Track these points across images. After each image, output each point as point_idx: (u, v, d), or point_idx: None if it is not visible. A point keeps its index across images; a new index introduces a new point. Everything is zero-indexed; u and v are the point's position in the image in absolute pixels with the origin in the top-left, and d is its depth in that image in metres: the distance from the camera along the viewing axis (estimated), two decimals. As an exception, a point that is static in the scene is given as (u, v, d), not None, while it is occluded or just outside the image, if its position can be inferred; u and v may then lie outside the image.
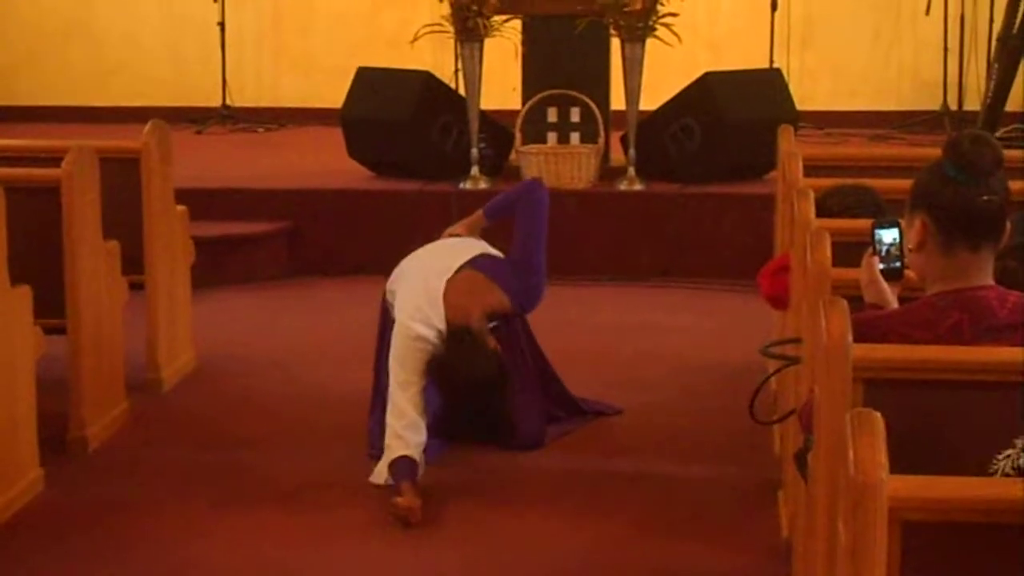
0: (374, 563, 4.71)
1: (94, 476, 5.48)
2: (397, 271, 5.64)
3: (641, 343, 7.27)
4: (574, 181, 8.85)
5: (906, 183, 5.04)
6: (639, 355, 7.05)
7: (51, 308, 5.53)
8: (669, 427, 6.01)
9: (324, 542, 4.84)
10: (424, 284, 5.44)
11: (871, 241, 3.77)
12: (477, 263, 5.61)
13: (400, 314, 5.38)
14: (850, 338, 3.13)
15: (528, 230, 5.71)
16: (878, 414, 2.51)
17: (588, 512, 5.10)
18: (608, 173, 9.05)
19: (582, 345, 7.21)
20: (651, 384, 6.57)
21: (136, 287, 6.32)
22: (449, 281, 5.44)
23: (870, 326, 3.42)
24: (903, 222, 3.67)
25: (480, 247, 5.75)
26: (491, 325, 5.52)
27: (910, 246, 3.59)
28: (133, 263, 6.24)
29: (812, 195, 4.83)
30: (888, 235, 3.76)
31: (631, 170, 8.86)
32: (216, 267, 8.22)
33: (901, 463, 2.55)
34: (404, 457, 5.15)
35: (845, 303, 3.23)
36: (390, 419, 5.23)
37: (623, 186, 8.89)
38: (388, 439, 5.20)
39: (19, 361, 5.16)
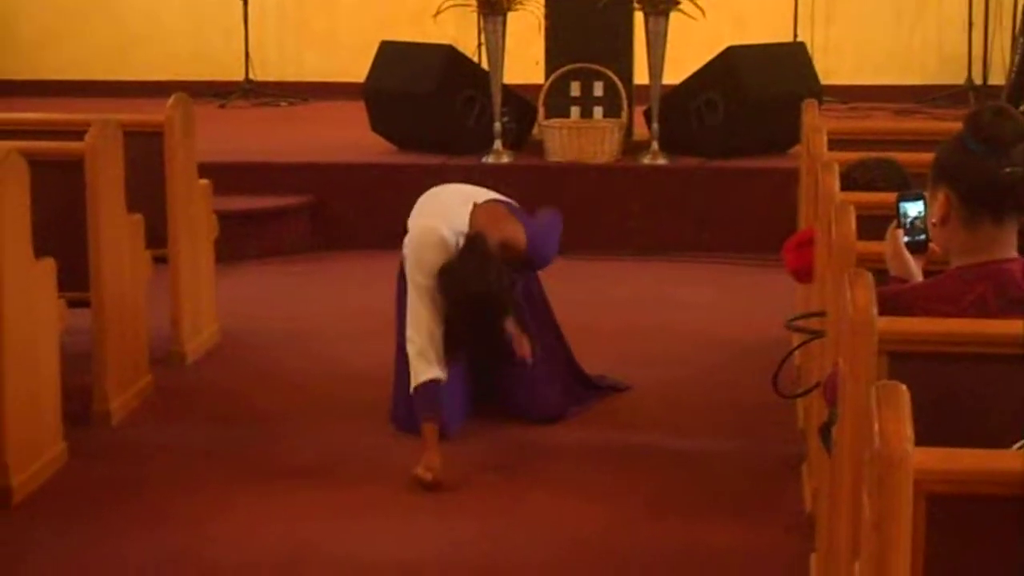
0: (395, 536, 4.70)
1: (117, 449, 5.49)
2: (415, 210, 5.64)
3: (664, 317, 7.26)
4: (597, 155, 8.83)
5: (931, 157, 5.07)
6: (661, 329, 7.04)
7: (75, 281, 5.53)
8: (691, 402, 6.00)
9: (346, 516, 4.84)
10: (447, 205, 5.51)
11: (896, 214, 3.75)
12: (501, 201, 5.66)
13: (420, 219, 5.47)
14: (875, 310, 3.12)
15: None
16: (903, 386, 2.50)
17: (609, 487, 5.09)
18: (631, 147, 9.03)
19: (604, 319, 7.20)
20: (673, 359, 6.56)
21: (159, 261, 6.32)
22: (475, 205, 5.49)
23: (894, 300, 3.40)
24: (927, 195, 3.65)
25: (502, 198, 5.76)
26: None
27: (933, 220, 3.57)
28: (156, 237, 6.24)
29: (837, 168, 4.81)
30: (913, 208, 3.74)
31: (654, 144, 8.84)
32: (239, 241, 8.22)
33: (926, 436, 2.54)
34: (430, 382, 5.21)
35: (870, 275, 3.22)
36: (410, 332, 5.28)
37: (646, 160, 8.87)
38: (412, 359, 5.26)
39: (43, 334, 5.17)
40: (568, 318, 7.05)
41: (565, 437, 5.52)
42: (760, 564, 4.50)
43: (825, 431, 3.82)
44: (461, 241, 5.33)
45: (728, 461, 5.35)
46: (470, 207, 5.47)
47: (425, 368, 5.23)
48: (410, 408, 5.33)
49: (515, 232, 5.49)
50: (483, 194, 5.66)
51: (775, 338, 6.13)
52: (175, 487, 5.11)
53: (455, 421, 5.44)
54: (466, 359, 5.51)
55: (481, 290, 5.21)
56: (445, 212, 5.46)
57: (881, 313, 3.16)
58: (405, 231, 5.49)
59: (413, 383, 5.25)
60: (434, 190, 5.73)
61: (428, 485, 4.98)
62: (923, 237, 3.70)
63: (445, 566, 4.51)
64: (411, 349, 5.28)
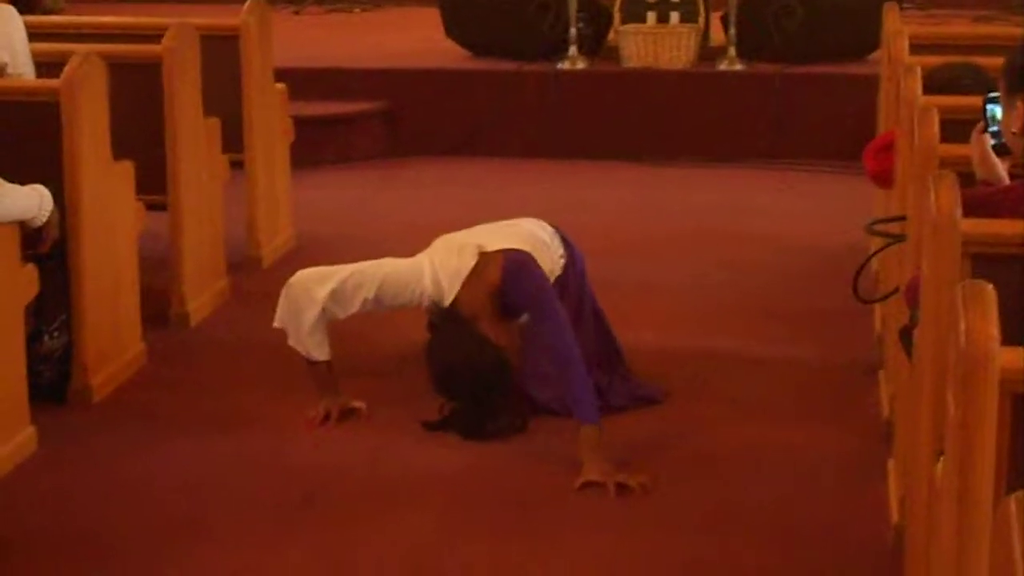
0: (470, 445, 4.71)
1: (195, 352, 5.53)
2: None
3: (741, 224, 7.23)
4: (673, 61, 8.77)
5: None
6: (739, 236, 7.01)
7: (153, 184, 5.56)
8: (769, 308, 5.97)
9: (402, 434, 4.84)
10: (459, 249, 4.86)
11: (982, 117, 3.71)
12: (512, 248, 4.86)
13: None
14: (959, 212, 3.08)
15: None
16: (990, 286, 2.48)
17: (687, 390, 5.08)
18: (708, 53, 8.96)
19: (681, 226, 7.18)
20: (751, 265, 6.53)
21: (236, 165, 6.34)
22: (484, 256, 4.81)
23: (981, 202, 3.37)
24: (1003, 104, 3.59)
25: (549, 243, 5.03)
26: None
27: (1014, 129, 3.51)
28: (233, 141, 6.26)
29: (919, 72, 4.75)
30: (1000, 110, 3.69)
31: (731, 50, 8.77)
32: (314, 147, 8.23)
33: (1009, 339, 2.51)
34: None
35: (955, 176, 3.18)
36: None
37: (723, 66, 8.80)
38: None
39: (121, 235, 5.21)
40: (644, 225, 7.06)
41: (644, 339, 5.50)
42: (838, 469, 4.49)
43: (905, 335, 3.79)
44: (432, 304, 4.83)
45: (806, 367, 5.33)
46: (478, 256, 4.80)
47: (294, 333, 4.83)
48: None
49: (493, 273, 4.77)
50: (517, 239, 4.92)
51: (854, 244, 6.10)
52: (252, 389, 5.14)
53: None
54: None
55: (466, 363, 4.66)
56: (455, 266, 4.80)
57: (966, 216, 3.13)
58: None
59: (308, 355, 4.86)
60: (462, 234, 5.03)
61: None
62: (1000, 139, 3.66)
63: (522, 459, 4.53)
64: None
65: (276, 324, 4.88)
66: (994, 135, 3.67)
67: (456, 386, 4.73)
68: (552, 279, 4.89)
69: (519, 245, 4.88)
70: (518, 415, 4.76)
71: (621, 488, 4.31)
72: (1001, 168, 3.64)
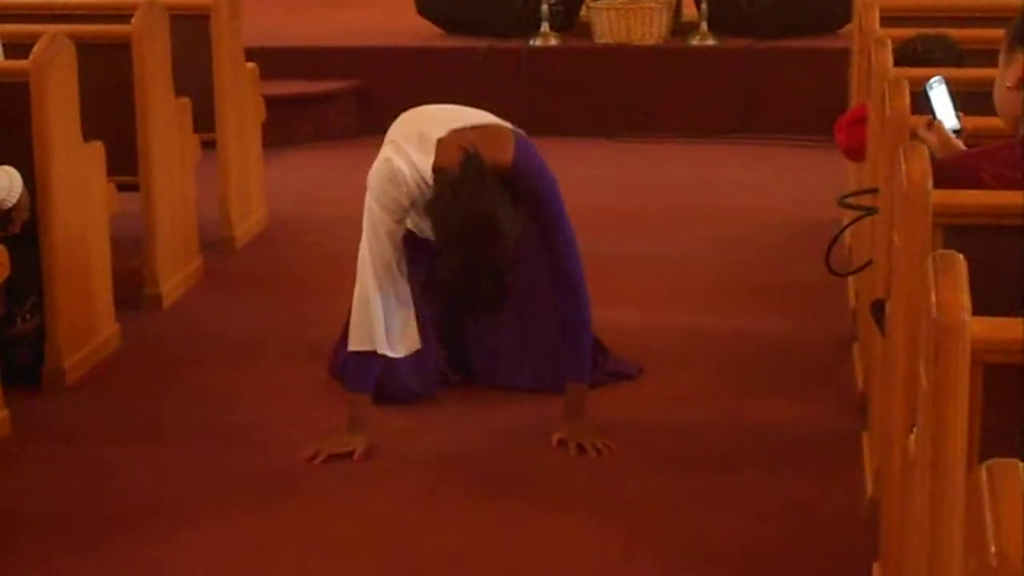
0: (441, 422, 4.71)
1: (169, 332, 5.52)
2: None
3: (714, 199, 7.23)
4: (645, 37, 8.76)
5: (985, 33, 5.01)
6: (712, 211, 7.01)
7: (124, 165, 5.54)
8: (742, 282, 5.98)
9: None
10: (421, 129, 4.41)
11: (927, 109, 3.75)
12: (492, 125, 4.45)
13: (386, 147, 4.46)
14: (930, 183, 3.09)
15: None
16: (960, 256, 2.48)
17: (661, 365, 5.09)
18: (680, 28, 8.96)
19: (654, 201, 7.18)
20: (724, 240, 6.54)
21: (208, 146, 6.32)
22: (451, 132, 4.33)
23: (958, 164, 3.37)
24: (1000, 59, 3.60)
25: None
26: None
27: (1009, 84, 3.52)
28: (204, 121, 6.23)
29: (890, 44, 4.75)
30: (939, 95, 3.75)
31: (703, 25, 8.77)
32: (286, 126, 8.22)
33: (980, 308, 2.52)
34: (371, 354, 4.32)
35: (925, 148, 3.18)
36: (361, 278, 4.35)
37: (695, 41, 8.80)
38: (354, 311, 4.35)
39: (93, 217, 5.19)
40: (618, 200, 7.05)
41: (620, 316, 5.50)
42: (812, 442, 4.49)
43: (877, 309, 3.80)
44: (423, 182, 4.28)
45: (780, 341, 5.34)
46: (444, 133, 4.32)
47: (367, 339, 4.32)
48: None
49: (502, 152, 4.31)
50: (473, 117, 4.49)
51: (826, 218, 6.11)
52: (225, 367, 5.13)
53: (426, 388, 4.79)
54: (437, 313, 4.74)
55: (480, 212, 4.07)
56: (419, 137, 4.37)
57: (946, 179, 3.13)
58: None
59: (351, 345, 4.36)
60: (416, 111, 4.66)
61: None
62: (957, 121, 3.73)
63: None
64: (357, 299, 4.35)
65: (355, 348, 4.33)
66: (946, 120, 3.73)
67: (478, 242, 4.05)
68: None
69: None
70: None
71: (580, 450, 4.31)
72: (963, 147, 3.66)
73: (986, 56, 4.22)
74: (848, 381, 4.90)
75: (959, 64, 4.86)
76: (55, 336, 4.94)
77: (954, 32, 5.22)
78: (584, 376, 4.45)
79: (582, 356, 4.45)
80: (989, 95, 3.63)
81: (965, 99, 3.86)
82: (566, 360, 4.47)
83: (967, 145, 3.69)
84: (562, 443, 4.38)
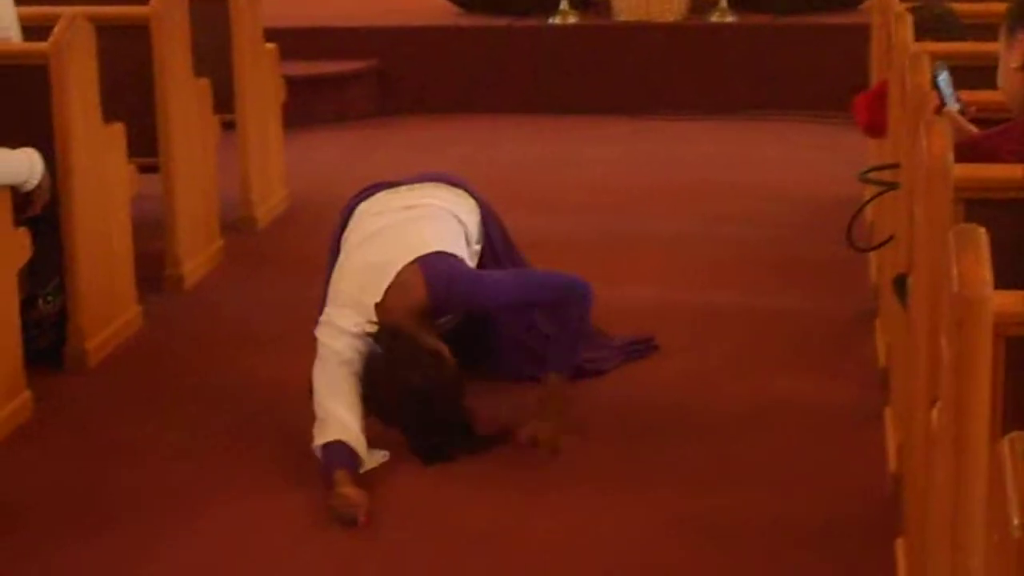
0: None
1: (190, 313, 5.53)
2: (354, 220, 4.73)
3: (735, 176, 7.22)
4: (664, 14, 8.75)
5: (991, 7, 4.99)
6: (733, 188, 7.00)
7: (145, 147, 5.55)
8: (763, 259, 5.97)
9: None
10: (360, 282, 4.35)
11: (937, 94, 3.77)
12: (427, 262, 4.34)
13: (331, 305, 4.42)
14: (951, 157, 3.07)
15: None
16: (982, 229, 2.47)
17: (686, 343, 5.08)
18: (699, 5, 8.94)
19: (675, 179, 7.18)
20: (746, 216, 6.52)
21: (228, 127, 6.32)
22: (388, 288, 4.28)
23: (975, 147, 3.36)
24: (1001, 41, 3.60)
25: (440, 234, 4.49)
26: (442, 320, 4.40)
27: (1013, 65, 3.51)
28: (224, 103, 6.24)
29: (910, 20, 4.74)
30: (944, 81, 3.77)
31: (723, 1, 8.75)
32: (306, 107, 8.22)
33: (1001, 282, 2.51)
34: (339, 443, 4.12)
35: (946, 122, 3.17)
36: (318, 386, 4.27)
37: (715, 18, 8.77)
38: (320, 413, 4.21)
39: (114, 198, 5.19)
40: (637, 178, 7.04)
41: (639, 294, 5.50)
42: (835, 418, 4.49)
43: (899, 283, 3.79)
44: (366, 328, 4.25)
45: (802, 317, 5.33)
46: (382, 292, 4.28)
47: (338, 430, 4.15)
48: None
49: (415, 293, 4.28)
50: (409, 248, 4.37)
51: (847, 195, 6.10)
52: (248, 347, 5.14)
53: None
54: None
55: (415, 388, 4.10)
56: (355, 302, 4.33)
57: (963, 159, 3.12)
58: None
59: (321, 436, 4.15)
60: (363, 220, 4.69)
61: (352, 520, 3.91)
62: (959, 104, 3.75)
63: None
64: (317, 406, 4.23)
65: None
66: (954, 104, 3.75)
67: (419, 411, 4.15)
68: (478, 248, 4.62)
69: (432, 244, 4.39)
70: (480, 434, 4.31)
71: (532, 441, 4.22)
72: (974, 129, 3.67)
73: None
74: (870, 356, 4.89)
75: (961, 39, 4.90)
76: (77, 318, 4.95)
77: (958, 7, 5.26)
78: (556, 364, 4.34)
79: (563, 349, 4.37)
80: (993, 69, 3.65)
81: (971, 73, 3.89)
82: (550, 351, 4.40)
83: (974, 121, 3.70)
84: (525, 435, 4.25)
